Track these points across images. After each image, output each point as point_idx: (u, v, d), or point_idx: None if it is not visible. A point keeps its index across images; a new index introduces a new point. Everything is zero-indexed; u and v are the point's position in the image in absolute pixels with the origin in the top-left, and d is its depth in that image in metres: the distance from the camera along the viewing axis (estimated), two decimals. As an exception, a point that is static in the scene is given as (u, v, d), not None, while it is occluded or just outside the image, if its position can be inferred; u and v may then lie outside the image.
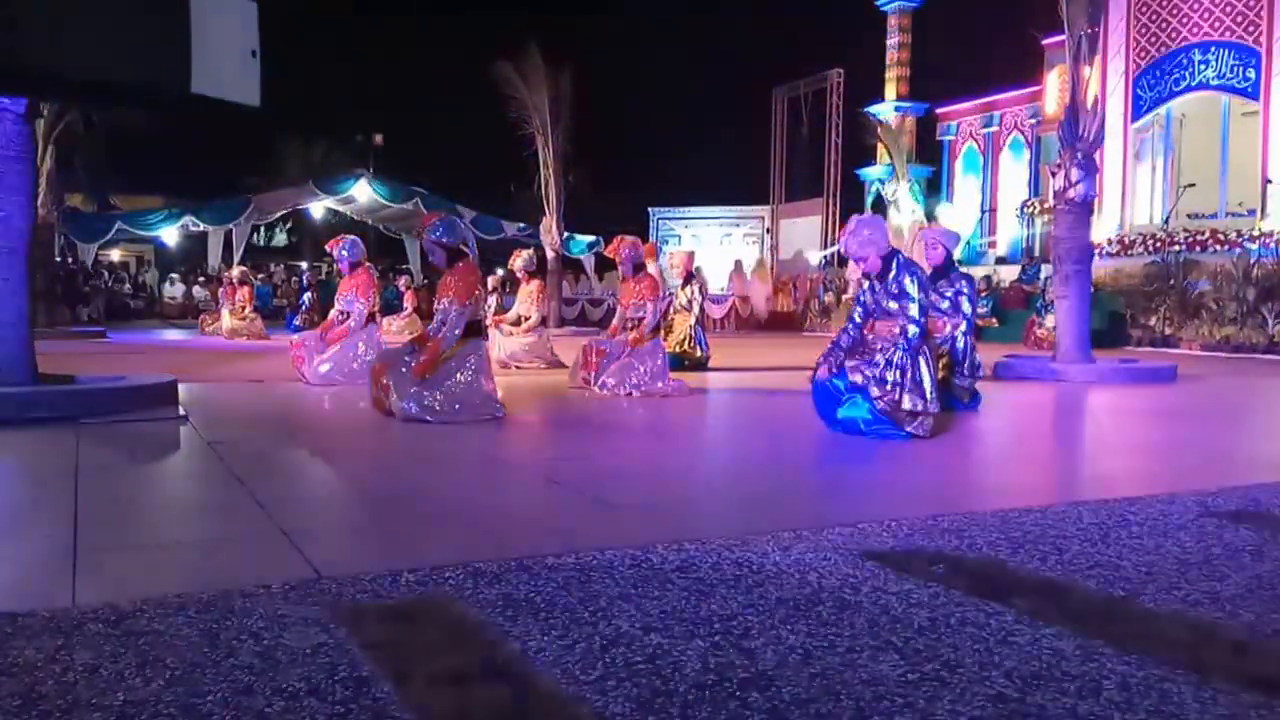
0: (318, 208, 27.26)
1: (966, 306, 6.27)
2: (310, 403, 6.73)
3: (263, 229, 35.03)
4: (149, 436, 4.99)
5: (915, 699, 1.70)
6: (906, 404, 4.78)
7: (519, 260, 10.37)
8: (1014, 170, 23.89)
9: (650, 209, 28.32)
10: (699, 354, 9.63)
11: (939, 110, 25.74)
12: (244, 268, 18.22)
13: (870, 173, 26.15)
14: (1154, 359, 11.23)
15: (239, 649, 1.89)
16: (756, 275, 22.89)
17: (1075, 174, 9.03)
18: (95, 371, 6.69)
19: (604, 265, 25.76)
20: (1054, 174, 9.47)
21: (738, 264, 23.90)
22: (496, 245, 26.03)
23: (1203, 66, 17.22)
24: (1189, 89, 17.48)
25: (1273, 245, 14.93)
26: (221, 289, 16.97)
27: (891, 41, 25.88)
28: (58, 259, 18.51)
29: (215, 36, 1.18)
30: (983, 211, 24.22)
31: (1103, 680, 1.80)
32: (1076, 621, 2.10)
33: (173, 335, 16.54)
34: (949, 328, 6.19)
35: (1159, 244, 16.33)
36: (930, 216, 20.75)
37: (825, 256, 24.63)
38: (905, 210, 20.34)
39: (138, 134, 19.94)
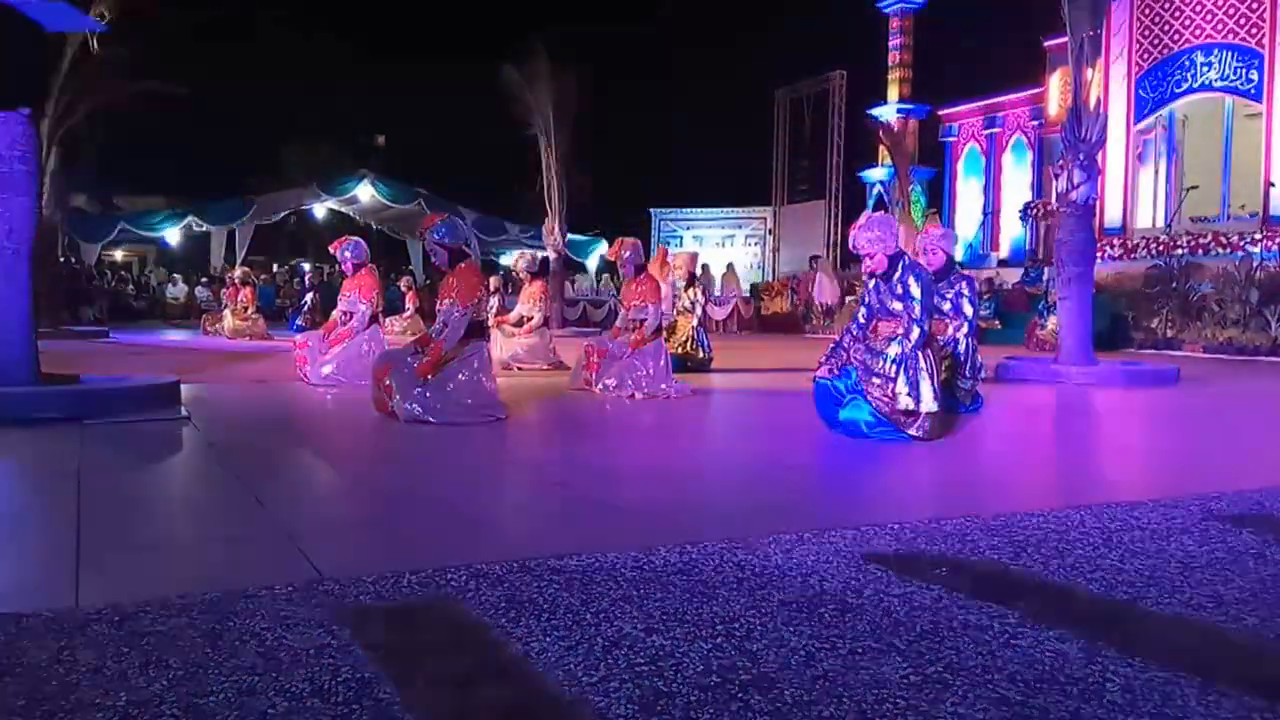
0: (320, 208, 27.32)
1: (968, 308, 6.28)
2: (313, 404, 6.74)
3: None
4: (152, 437, 5.00)
5: (918, 701, 1.70)
6: (902, 403, 4.78)
7: (521, 261, 10.39)
8: (1016, 172, 23.81)
9: (652, 210, 28.33)
10: (701, 355, 9.62)
11: (941, 112, 25.66)
12: (246, 268, 18.26)
13: (872, 175, 26.11)
14: (1156, 361, 11.21)
15: (242, 650, 1.89)
16: (726, 280, 22.70)
17: (1077, 176, 9.02)
18: (98, 372, 6.70)
19: (605, 266, 25.78)
20: (1056, 176, 9.46)
21: (704, 268, 23.87)
22: (499, 246, 26.08)
23: (1205, 68, 17.19)
24: (1191, 90, 17.46)
25: (1275, 248, 14.90)
26: (224, 289, 17.00)
27: (893, 43, 25.85)
28: (61, 259, 18.52)
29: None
30: (985, 214, 24.17)
31: (1106, 683, 1.80)
32: (1080, 625, 2.10)
33: (175, 336, 16.56)
34: (951, 329, 6.20)
35: (1162, 247, 16.31)
36: (921, 218, 20.75)
37: (813, 258, 24.63)
38: (906, 213, 20.30)
39: (141, 135, 19.99)
